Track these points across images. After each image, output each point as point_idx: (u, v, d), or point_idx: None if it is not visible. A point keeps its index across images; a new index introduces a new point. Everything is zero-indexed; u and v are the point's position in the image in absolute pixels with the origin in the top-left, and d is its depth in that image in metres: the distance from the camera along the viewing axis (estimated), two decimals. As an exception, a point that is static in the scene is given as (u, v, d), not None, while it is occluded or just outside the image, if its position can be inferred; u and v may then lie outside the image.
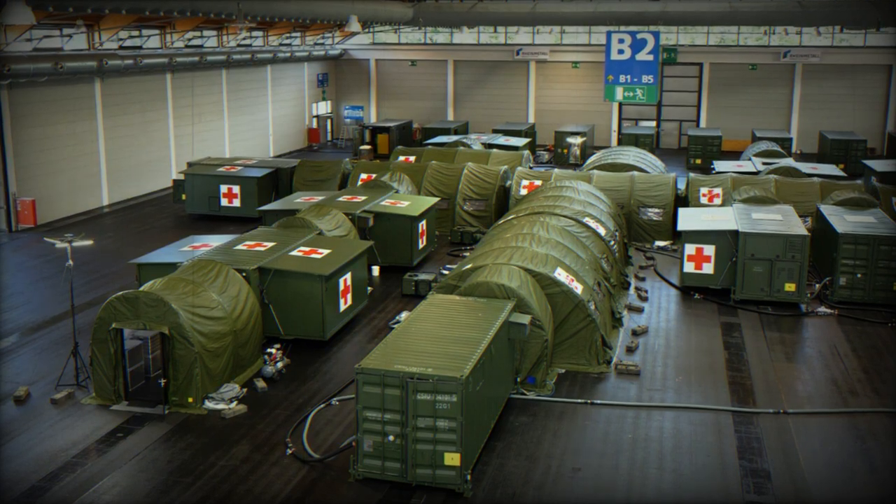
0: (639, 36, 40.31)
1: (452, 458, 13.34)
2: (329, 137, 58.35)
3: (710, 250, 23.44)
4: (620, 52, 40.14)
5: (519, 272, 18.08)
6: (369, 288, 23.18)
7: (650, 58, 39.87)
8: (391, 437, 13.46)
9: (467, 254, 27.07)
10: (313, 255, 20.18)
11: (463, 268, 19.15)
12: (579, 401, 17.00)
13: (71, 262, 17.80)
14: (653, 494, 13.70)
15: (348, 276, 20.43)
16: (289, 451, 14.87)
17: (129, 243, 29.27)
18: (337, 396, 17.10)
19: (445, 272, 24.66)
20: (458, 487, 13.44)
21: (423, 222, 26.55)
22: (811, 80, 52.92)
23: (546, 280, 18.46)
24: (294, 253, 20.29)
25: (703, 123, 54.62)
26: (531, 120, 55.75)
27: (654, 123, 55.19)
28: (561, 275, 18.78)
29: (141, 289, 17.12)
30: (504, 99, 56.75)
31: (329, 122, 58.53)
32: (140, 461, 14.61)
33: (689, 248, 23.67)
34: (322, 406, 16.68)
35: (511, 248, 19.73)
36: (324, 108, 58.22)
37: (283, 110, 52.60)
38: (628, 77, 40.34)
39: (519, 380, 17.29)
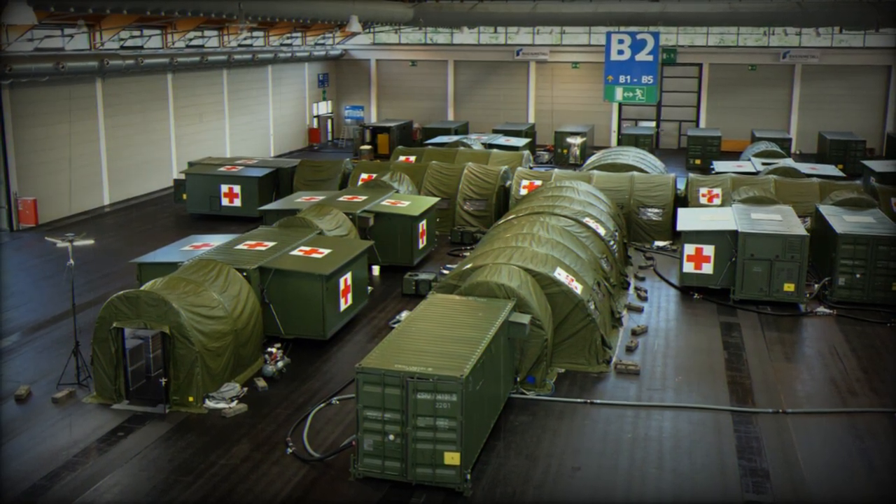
0: (638, 36, 40.36)
1: (452, 458, 13.38)
2: (330, 137, 58.38)
3: (709, 250, 23.48)
4: (620, 52, 40.20)
5: (519, 272, 18.12)
6: (370, 287, 23.22)
7: (650, 58, 39.92)
8: (391, 437, 13.50)
9: (467, 254, 27.11)
10: (314, 255, 20.23)
11: (463, 267, 19.19)
12: (579, 400, 17.04)
13: (72, 261, 17.84)
14: (652, 494, 13.74)
15: (349, 275, 20.48)
16: (289, 451, 14.92)
17: (130, 243, 29.32)
18: (337, 396, 17.14)
19: (445, 272, 24.70)
20: (457, 486, 13.47)
21: (424, 222, 26.60)
22: (810, 80, 52.98)
23: (546, 280, 18.50)
24: (295, 252, 20.34)
25: (702, 124, 54.67)
26: (531, 120, 55.79)
27: (653, 124, 55.23)
28: (561, 274, 18.82)
29: (142, 288, 17.17)
30: (504, 99, 56.81)
31: (330, 122, 58.57)
32: (141, 460, 14.66)
33: (689, 248, 23.71)
34: (322, 405, 16.73)
35: (511, 247, 19.77)
36: (324, 108, 58.26)
37: (284, 110, 52.65)
38: (628, 77, 40.39)
39: (519, 379, 17.33)
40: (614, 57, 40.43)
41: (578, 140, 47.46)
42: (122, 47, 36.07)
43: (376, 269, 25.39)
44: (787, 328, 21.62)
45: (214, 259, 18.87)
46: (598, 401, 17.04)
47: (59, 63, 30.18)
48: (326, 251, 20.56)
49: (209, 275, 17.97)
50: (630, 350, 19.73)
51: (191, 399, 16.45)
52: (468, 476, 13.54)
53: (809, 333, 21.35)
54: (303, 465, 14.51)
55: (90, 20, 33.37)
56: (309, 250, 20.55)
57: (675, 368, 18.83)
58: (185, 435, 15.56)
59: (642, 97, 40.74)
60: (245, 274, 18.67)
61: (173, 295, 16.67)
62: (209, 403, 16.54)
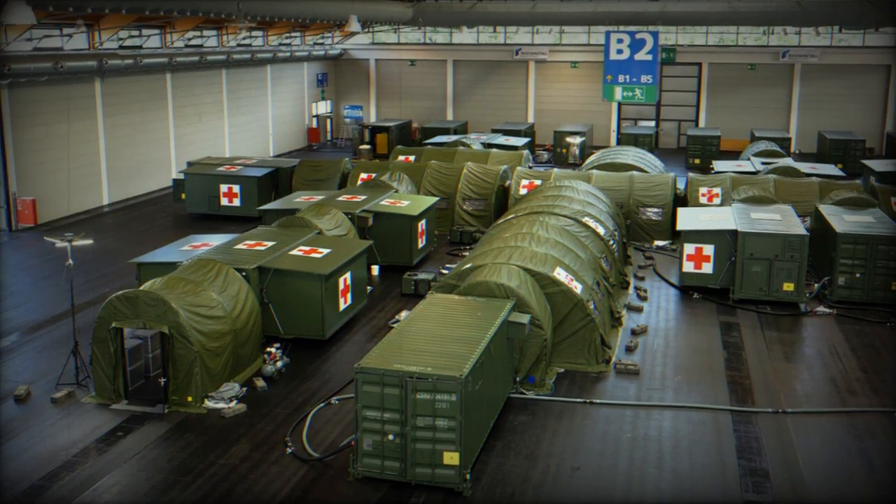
0: (637, 36, 40.39)
1: (452, 458, 13.37)
2: (329, 137, 58.38)
3: (709, 250, 23.47)
4: (619, 52, 40.23)
5: (518, 271, 18.11)
6: (369, 287, 23.20)
7: (649, 58, 39.95)
8: (390, 437, 13.48)
9: (467, 253, 27.08)
10: (313, 255, 20.21)
11: (462, 267, 19.17)
12: (578, 400, 17.03)
13: (71, 261, 17.82)
14: (651, 493, 13.73)
15: (348, 275, 20.46)
16: (288, 450, 14.91)
17: (129, 242, 29.30)
18: (336, 395, 17.13)
19: (445, 272, 24.69)
20: (457, 486, 13.46)
21: (423, 222, 26.58)
22: (810, 79, 52.95)
23: (545, 279, 18.48)
24: (294, 252, 20.32)
25: (702, 123, 54.65)
26: (531, 120, 55.78)
27: (653, 123, 55.22)
28: (560, 274, 18.80)
29: (141, 288, 17.15)
30: (503, 99, 56.78)
31: (329, 121, 58.56)
32: (140, 460, 14.65)
33: (689, 248, 23.70)
34: (322, 405, 16.72)
35: (510, 247, 19.76)
36: (323, 107, 58.25)
37: (283, 110, 52.63)
38: (627, 77, 40.41)
39: (518, 379, 17.32)
40: (613, 56, 40.46)
41: (578, 139, 47.45)
42: (121, 47, 36.04)
43: (375, 269, 25.37)
44: (787, 328, 21.60)
45: (213, 259, 18.86)
46: (598, 400, 17.02)
47: (58, 63, 30.15)
48: (325, 251, 20.55)
49: (208, 275, 17.95)
50: (630, 350, 19.72)
51: (190, 399, 16.44)
52: (467, 476, 13.53)
53: (809, 333, 21.34)
54: (302, 464, 14.49)
55: (89, 20, 33.34)
56: (308, 250, 20.54)
57: (675, 368, 18.82)
58: (184, 435, 15.54)
59: (641, 97, 40.76)
60: (244, 274, 18.65)
61: (172, 295, 16.65)
62: (208, 403, 16.52)
